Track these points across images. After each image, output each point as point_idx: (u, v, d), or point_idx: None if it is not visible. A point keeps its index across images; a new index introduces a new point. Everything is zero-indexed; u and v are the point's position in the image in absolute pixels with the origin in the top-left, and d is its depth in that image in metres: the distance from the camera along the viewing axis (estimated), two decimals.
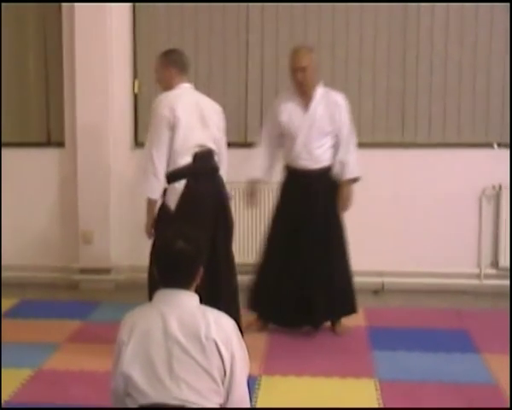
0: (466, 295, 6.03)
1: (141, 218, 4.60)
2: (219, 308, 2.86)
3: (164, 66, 4.69)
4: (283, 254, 5.02)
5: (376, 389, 4.10)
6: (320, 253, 4.97)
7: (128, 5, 6.18)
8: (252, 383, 3.96)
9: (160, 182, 4.46)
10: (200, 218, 4.44)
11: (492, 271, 6.15)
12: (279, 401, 4.02)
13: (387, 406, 3.91)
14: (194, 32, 6.19)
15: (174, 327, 2.66)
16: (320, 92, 4.97)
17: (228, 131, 4.82)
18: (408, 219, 6.16)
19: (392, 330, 5.17)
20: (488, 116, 6.10)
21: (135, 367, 2.66)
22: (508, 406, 3.87)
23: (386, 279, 6.18)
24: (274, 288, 5.04)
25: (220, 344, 2.66)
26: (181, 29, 6.18)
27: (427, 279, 6.07)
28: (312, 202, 4.96)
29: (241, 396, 2.74)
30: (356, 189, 5.10)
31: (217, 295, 4.43)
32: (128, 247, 6.25)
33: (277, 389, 4.20)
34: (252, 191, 5.21)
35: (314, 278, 4.96)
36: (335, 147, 4.99)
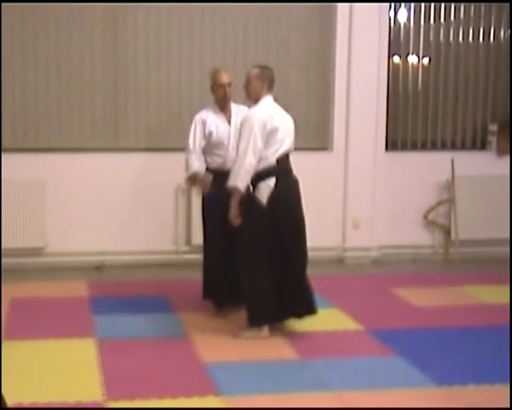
0: (168, 267, 7.39)
1: None
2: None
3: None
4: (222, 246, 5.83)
5: (96, 346, 5.21)
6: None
7: None
8: None
9: None
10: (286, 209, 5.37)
11: (187, 247, 7.59)
12: (19, 364, 4.84)
13: (105, 359, 4.95)
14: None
15: None
16: (234, 107, 5.91)
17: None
18: (124, 210, 7.46)
19: (111, 299, 6.36)
20: (181, 124, 7.35)
21: None
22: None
23: (107, 257, 7.46)
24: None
25: None
26: None
27: (137, 256, 7.47)
28: None
29: None
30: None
31: (283, 281, 5.41)
32: None
33: (19, 353, 5.06)
34: (198, 180, 5.89)
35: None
36: None
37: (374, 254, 7.92)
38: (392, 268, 7.68)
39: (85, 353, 5.14)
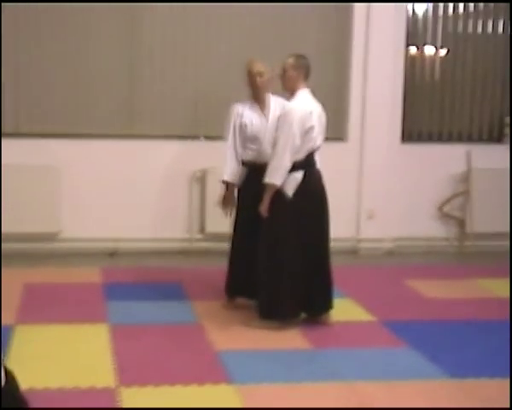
0: (181, 254, 7.41)
1: None
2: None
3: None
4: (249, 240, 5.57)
5: (109, 332, 5.23)
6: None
7: None
8: (6, 332, 4.89)
9: None
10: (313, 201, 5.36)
11: (200, 236, 7.60)
12: (32, 349, 4.88)
13: (117, 345, 4.98)
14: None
15: None
16: (273, 100, 5.63)
17: None
18: (138, 197, 7.44)
19: (124, 285, 6.39)
20: (196, 113, 7.50)
21: None
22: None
23: (121, 244, 7.46)
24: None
25: None
26: None
27: (150, 243, 7.48)
28: None
29: None
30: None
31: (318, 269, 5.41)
32: None
33: (31, 338, 5.08)
34: (229, 195, 5.73)
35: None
36: None
37: (388, 245, 7.89)
38: (405, 260, 7.65)
39: (98, 338, 5.16)
